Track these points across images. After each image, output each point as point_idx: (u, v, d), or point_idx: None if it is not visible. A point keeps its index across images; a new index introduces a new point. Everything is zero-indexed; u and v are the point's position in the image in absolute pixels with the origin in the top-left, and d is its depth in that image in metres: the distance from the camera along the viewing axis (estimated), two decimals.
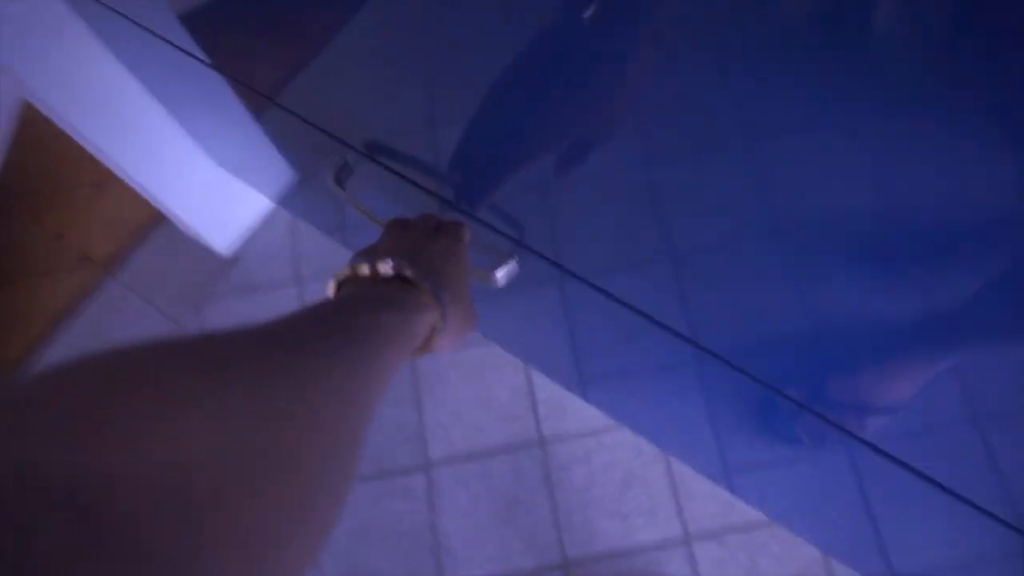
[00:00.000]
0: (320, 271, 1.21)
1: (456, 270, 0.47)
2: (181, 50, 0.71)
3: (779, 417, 0.68)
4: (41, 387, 0.20)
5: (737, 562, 0.97)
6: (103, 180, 1.26)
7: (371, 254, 0.44)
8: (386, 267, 0.42)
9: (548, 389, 1.08)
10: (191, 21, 0.67)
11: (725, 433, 0.81)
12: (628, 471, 1.03)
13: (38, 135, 1.08)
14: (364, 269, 0.42)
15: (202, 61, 0.71)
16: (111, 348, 0.22)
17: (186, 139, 1.07)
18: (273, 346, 0.27)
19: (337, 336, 0.31)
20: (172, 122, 1.03)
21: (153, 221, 1.28)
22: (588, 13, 0.34)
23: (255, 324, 0.28)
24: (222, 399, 0.22)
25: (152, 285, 1.24)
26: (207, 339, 0.25)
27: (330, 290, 0.42)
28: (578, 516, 1.01)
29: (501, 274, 0.59)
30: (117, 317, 1.22)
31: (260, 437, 0.22)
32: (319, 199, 1.06)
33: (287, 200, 1.16)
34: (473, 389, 1.09)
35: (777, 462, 0.79)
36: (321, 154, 0.75)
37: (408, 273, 0.42)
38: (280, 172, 1.04)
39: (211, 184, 1.14)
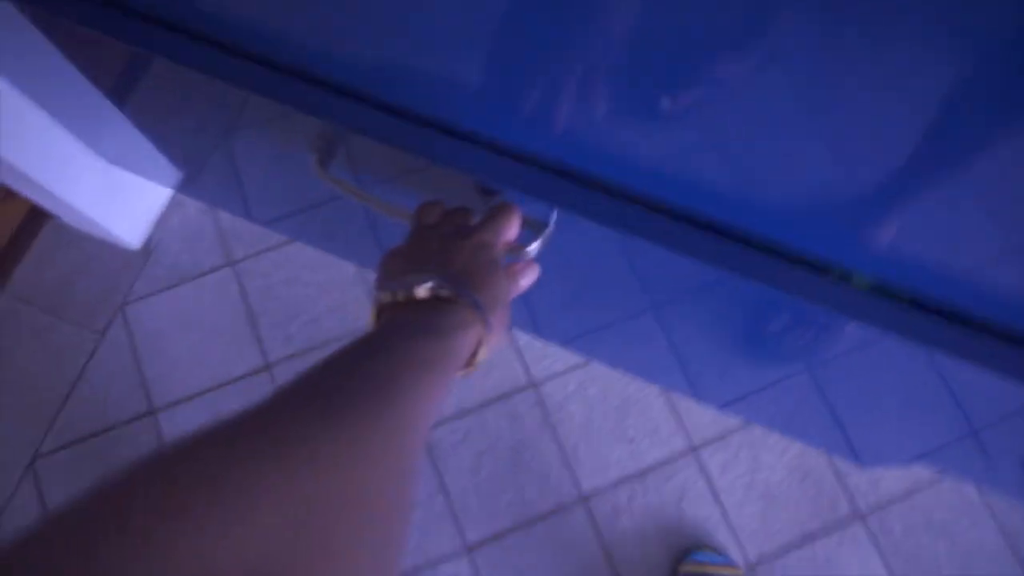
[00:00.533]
0: (253, 245, 1.09)
1: (493, 269, 0.44)
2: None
3: (768, 339, 0.69)
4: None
5: (741, 461, 1.01)
6: None
7: (404, 269, 0.43)
8: (422, 290, 0.40)
9: (526, 334, 1.05)
10: None
11: (714, 367, 0.82)
12: (624, 397, 1.03)
13: None
14: (400, 295, 0.40)
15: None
16: (133, 464, 0.23)
17: (60, 129, 0.90)
18: (304, 423, 0.26)
19: (374, 383, 0.30)
20: (39, 111, 0.86)
21: (35, 220, 1.09)
22: None
23: (281, 390, 0.28)
24: (256, 496, 0.22)
25: (54, 295, 1.07)
26: (229, 427, 0.25)
27: (371, 318, 0.41)
28: (585, 449, 1.01)
29: (534, 247, 0.54)
30: (18, 339, 1.05)
31: (301, 529, 0.22)
32: (223, 180, 0.94)
33: (188, 187, 1.02)
34: None
35: (763, 385, 0.82)
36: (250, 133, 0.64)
37: (446, 293, 0.40)
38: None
39: (100, 167, 0.98)
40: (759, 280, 0.48)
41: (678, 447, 1.01)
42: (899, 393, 0.67)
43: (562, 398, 1.02)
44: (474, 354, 0.41)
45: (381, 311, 0.41)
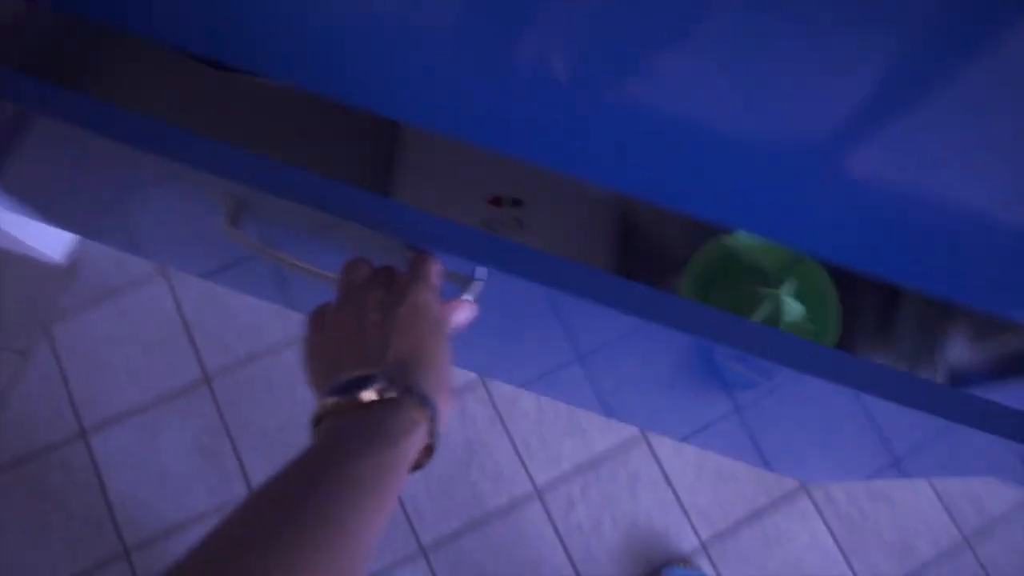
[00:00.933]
0: None
1: (434, 334, 0.43)
2: None
3: (727, 372, 0.69)
4: None
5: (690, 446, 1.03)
6: None
7: (340, 356, 0.42)
8: (368, 394, 0.38)
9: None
10: None
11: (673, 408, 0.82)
12: None
13: None
14: (341, 404, 0.39)
15: None
16: None
17: None
18: (256, 560, 0.28)
19: (325, 513, 0.31)
20: None
21: None
22: None
23: (228, 524, 0.30)
24: None
25: None
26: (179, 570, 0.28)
27: (312, 421, 0.40)
28: (537, 443, 1.01)
29: (467, 299, 0.51)
30: None
31: None
32: (127, 237, 0.90)
33: (91, 240, 0.98)
34: None
35: (699, 424, 0.83)
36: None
37: (393, 395, 0.38)
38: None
39: None
40: (682, 329, 0.49)
41: (630, 433, 1.02)
42: (821, 426, 0.69)
43: (513, 393, 1.02)
44: (427, 446, 0.40)
45: (324, 414, 0.39)
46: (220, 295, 1.04)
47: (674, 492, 1.01)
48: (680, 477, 1.02)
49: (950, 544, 1.01)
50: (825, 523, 1.03)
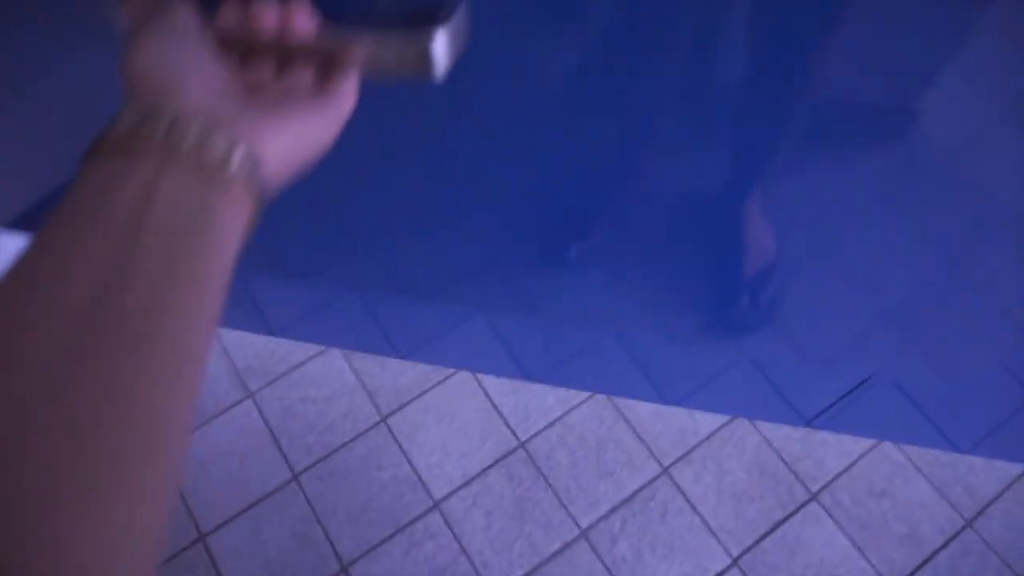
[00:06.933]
0: (265, 375, 1.26)
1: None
2: None
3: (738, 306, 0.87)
4: None
5: (708, 471, 1.19)
6: None
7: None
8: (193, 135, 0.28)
9: (510, 400, 1.24)
10: None
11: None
12: (598, 437, 1.21)
13: None
14: (160, 129, 0.28)
15: None
16: None
17: None
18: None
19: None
20: None
21: None
22: None
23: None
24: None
25: None
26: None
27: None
28: (576, 490, 1.18)
29: (440, 45, 0.34)
30: None
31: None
32: None
33: None
34: (446, 424, 1.22)
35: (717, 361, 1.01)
36: None
37: (224, 141, 0.29)
38: None
39: None
40: None
41: (652, 471, 1.19)
42: None
43: (548, 449, 1.20)
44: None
45: (120, 139, 0.28)
46: (299, 405, 1.24)
47: (701, 516, 1.17)
48: (703, 502, 1.18)
49: (953, 528, 1.15)
50: (837, 524, 1.17)
